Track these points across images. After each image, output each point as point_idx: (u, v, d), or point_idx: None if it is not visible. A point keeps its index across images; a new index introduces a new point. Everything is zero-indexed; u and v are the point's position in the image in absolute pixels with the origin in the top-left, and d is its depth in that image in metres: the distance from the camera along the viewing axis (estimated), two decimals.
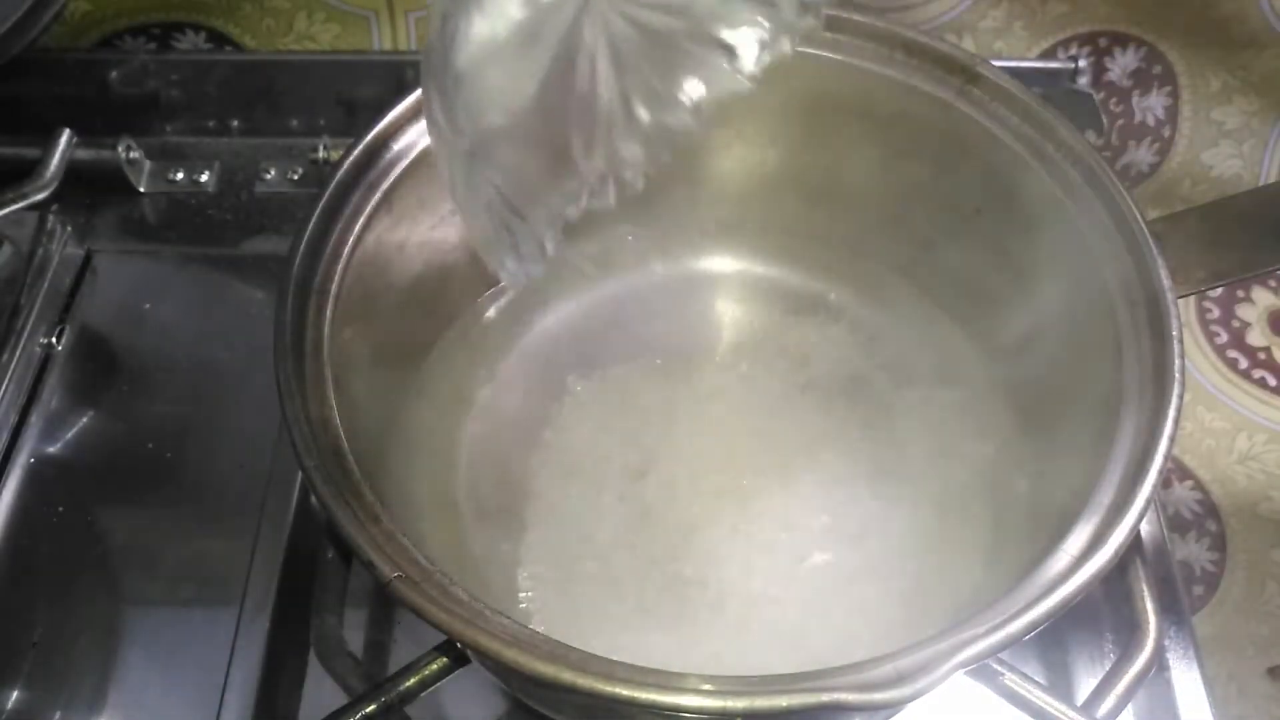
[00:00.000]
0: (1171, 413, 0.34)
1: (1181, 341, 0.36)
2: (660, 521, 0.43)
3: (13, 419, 0.48)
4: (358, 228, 0.39)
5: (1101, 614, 0.44)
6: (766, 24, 0.28)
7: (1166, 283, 0.37)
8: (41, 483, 0.47)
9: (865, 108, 0.45)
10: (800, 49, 0.43)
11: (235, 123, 0.60)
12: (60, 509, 0.46)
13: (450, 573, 0.32)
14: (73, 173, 0.53)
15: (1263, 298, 0.60)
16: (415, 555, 0.32)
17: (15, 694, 0.42)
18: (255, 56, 0.61)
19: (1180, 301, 0.37)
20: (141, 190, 0.57)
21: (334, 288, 0.38)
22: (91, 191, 0.56)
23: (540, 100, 0.28)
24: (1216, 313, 0.60)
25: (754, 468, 0.45)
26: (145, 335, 0.52)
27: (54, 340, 0.51)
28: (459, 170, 0.30)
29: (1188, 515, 0.53)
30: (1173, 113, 0.61)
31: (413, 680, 0.34)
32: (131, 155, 0.56)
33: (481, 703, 0.42)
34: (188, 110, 0.59)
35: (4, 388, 0.48)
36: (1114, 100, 0.61)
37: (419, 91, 0.41)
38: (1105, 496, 0.33)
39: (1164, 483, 0.54)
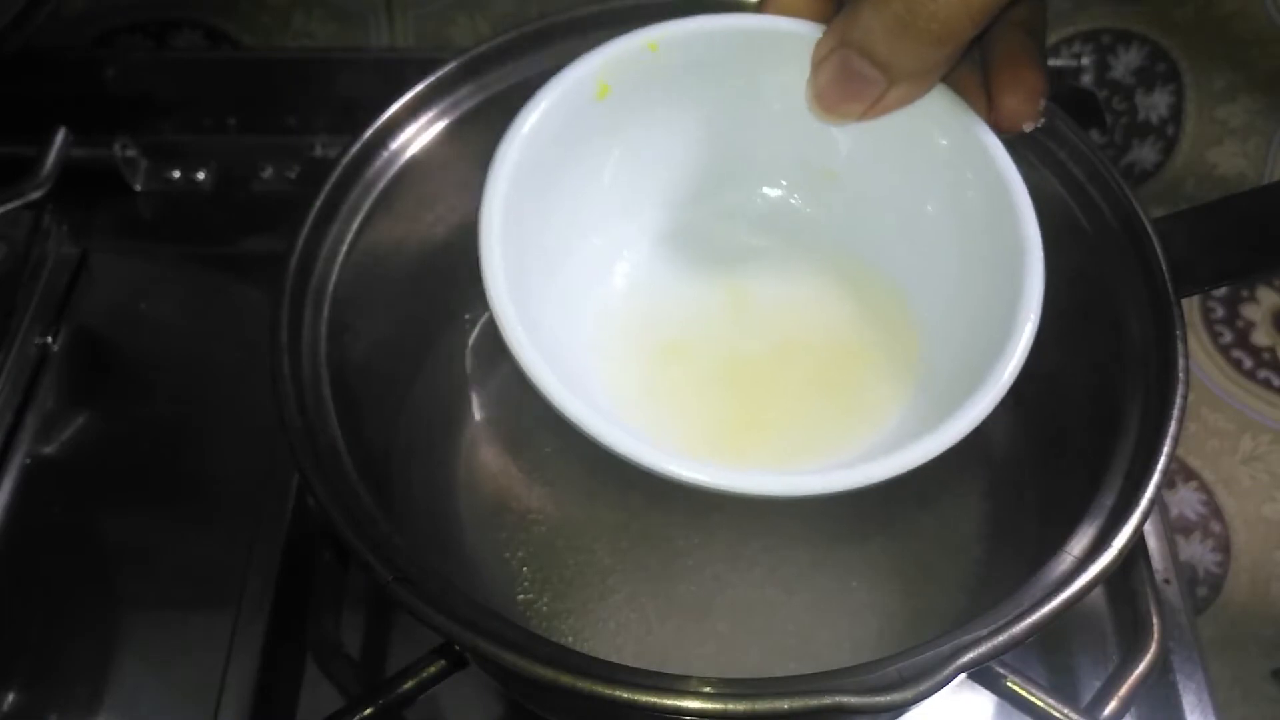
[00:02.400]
0: (1175, 413, 0.34)
1: (1185, 341, 0.35)
2: (658, 526, 0.43)
3: (8, 419, 0.48)
4: (355, 226, 0.39)
5: (1105, 616, 0.43)
6: None
7: (1170, 282, 0.36)
8: (37, 483, 0.47)
9: None
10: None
11: (232, 121, 0.59)
12: (56, 510, 0.46)
13: (448, 575, 0.32)
14: (68, 171, 0.52)
15: (1267, 297, 0.60)
16: (413, 557, 0.32)
17: (11, 696, 0.42)
18: (252, 54, 0.61)
19: (1184, 301, 0.37)
20: (138, 189, 0.57)
21: (331, 287, 0.38)
22: (87, 190, 0.56)
23: None
24: (1220, 312, 0.59)
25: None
26: (141, 335, 0.52)
27: (50, 340, 0.51)
28: None
29: (1192, 516, 0.53)
30: (1176, 111, 0.60)
31: (410, 683, 0.34)
32: (128, 153, 0.56)
33: (480, 706, 0.41)
34: (184, 108, 0.59)
35: None
36: (1117, 98, 0.61)
37: (416, 88, 0.41)
38: (1108, 498, 0.33)
39: (1168, 484, 0.53)
